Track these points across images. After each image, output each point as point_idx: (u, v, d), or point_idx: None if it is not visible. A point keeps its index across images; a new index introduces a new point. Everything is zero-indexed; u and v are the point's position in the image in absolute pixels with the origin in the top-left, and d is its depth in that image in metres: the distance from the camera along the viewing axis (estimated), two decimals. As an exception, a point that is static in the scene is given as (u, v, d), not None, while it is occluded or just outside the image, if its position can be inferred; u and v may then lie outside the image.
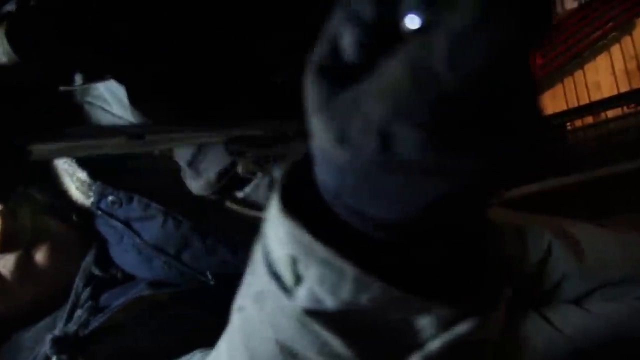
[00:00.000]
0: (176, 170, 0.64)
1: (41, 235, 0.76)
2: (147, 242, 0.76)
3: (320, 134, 0.29)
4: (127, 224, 0.76)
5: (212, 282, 0.76)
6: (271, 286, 0.37)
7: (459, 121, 0.27)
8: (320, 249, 0.33)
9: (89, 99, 0.77)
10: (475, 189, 0.31)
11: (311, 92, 0.29)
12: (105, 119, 0.78)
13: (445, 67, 0.24)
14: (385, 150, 0.27)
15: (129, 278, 0.79)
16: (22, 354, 0.72)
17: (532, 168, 0.30)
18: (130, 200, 0.76)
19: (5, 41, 0.35)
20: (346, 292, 0.34)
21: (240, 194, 0.57)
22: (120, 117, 0.76)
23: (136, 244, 0.77)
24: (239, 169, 0.51)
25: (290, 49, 0.44)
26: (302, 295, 0.36)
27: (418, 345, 0.37)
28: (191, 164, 0.58)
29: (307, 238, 0.34)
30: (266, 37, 0.44)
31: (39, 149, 0.37)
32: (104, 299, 0.75)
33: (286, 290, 0.36)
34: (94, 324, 0.69)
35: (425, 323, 0.36)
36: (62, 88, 0.42)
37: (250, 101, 0.47)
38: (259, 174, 0.54)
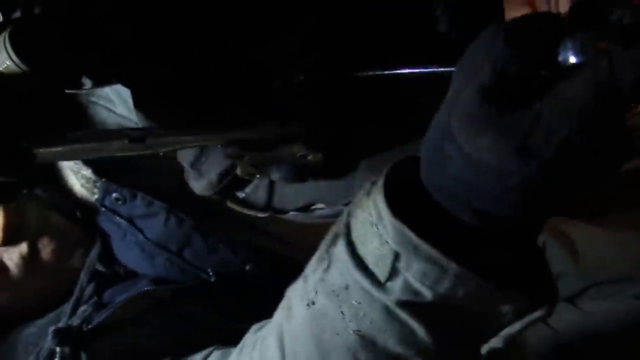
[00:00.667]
0: (179, 170, 0.64)
1: (46, 230, 0.76)
2: (149, 239, 0.77)
3: (489, 148, 0.33)
4: (130, 221, 0.77)
5: (213, 280, 0.77)
6: (359, 280, 0.41)
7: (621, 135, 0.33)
8: (427, 249, 0.37)
9: (94, 99, 0.77)
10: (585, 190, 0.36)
11: (477, 111, 0.33)
12: (110, 119, 0.78)
13: (630, 88, 0.30)
14: (560, 157, 0.32)
15: (131, 275, 0.80)
16: (26, 349, 0.72)
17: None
18: (134, 197, 0.76)
19: (9, 46, 0.35)
20: (445, 286, 0.38)
21: (241, 195, 0.58)
22: (124, 118, 0.76)
23: (139, 241, 0.77)
24: (238, 171, 0.51)
25: (289, 53, 0.44)
26: (396, 288, 0.39)
27: (496, 330, 0.42)
28: (194, 164, 0.58)
29: (415, 239, 0.37)
30: (264, 41, 0.45)
31: (43, 152, 0.37)
32: (107, 295, 0.75)
33: (378, 283, 0.40)
34: (97, 319, 0.69)
35: (506, 310, 0.40)
36: (68, 91, 0.42)
37: (249, 104, 0.47)
38: (257, 176, 0.55)
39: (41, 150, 0.38)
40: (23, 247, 0.74)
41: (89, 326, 0.68)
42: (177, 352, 0.66)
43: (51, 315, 0.75)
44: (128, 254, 0.79)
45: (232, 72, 0.47)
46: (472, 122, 0.33)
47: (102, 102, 0.77)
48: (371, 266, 0.40)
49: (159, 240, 0.76)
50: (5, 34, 0.36)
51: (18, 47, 0.36)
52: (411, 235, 0.37)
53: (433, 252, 0.37)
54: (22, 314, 0.77)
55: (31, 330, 0.75)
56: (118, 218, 0.77)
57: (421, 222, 0.38)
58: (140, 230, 0.77)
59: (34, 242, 0.75)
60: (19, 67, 0.36)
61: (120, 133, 0.41)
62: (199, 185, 0.56)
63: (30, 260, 0.75)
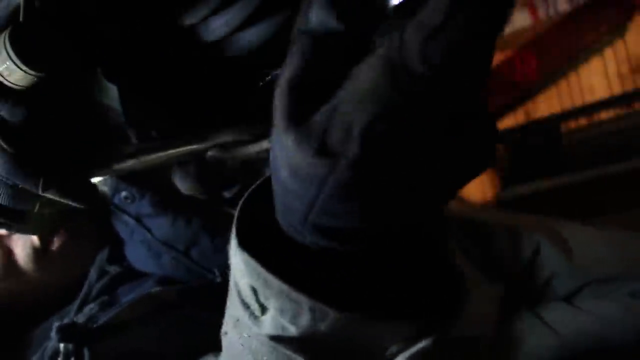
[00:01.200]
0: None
1: (58, 221, 0.76)
2: (157, 238, 0.76)
3: (295, 150, 0.28)
4: (138, 219, 0.76)
5: (219, 280, 0.76)
6: (243, 314, 0.38)
7: (432, 121, 0.27)
8: (276, 282, 0.33)
9: (106, 100, 0.76)
10: (436, 189, 0.31)
11: (283, 108, 0.29)
12: (120, 120, 0.77)
13: (419, 61, 0.24)
14: (369, 153, 0.27)
15: (140, 274, 0.79)
16: (33, 349, 0.72)
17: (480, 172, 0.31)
18: (143, 196, 0.76)
19: (9, 46, 0.35)
20: (305, 321, 0.34)
21: (227, 195, 0.57)
22: None
23: (146, 239, 0.77)
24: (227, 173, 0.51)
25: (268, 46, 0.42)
26: (267, 323, 0.36)
27: None
28: (181, 163, 0.58)
29: (263, 271, 0.34)
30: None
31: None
32: (115, 294, 0.75)
33: (255, 317, 0.37)
34: (103, 319, 0.69)
35: (389, 342, 0.36)
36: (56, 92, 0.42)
37: (234, 104, 0.46)
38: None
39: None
40: (35, 238, 0.74)
41: (94, 325, 0.68)
42: (181, 354, 0.66)
43: (57, 315, 0.75)
44: (135, 252, 0.79)
45: (217, 71, 0.46)
46: (283, 119, 0.29)
47: (113, 104, 0.77)
48: (247, 300, 0.37)
49: (166, 239, 0.76)
50: (5, 34, 0.36)
51: (18, 46, 0.36)
52: (258, 267, 0.34)
53: (283, 286, 0.33)
54: (34, 312, 0.77)
55: (40, 330, 0.75)
56: (126, 216, 0.76)
57: (281, 250, 0.34)
58: (148, 229, 0.76)
59: (45, 232, 0.75)
60: (19, 67, 0.36)
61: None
62: (184, 185, 0.55)
63: (41, 249, 0.75)
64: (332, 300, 0.33)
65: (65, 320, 0.69)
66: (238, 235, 0.35)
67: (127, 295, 0.73)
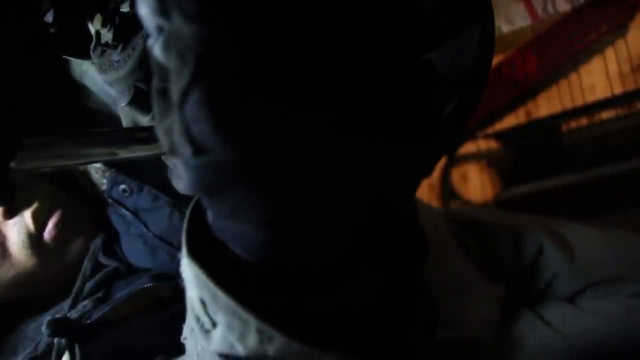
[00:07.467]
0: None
1: (55, 207, 0.74)
2: (153, 232, 0.74)
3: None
4: (135, 213, 0.75)
5: None
6: (195, 326, 0.35)
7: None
8: (223, 297, 0.31)
9: (85, 81, 0.74)
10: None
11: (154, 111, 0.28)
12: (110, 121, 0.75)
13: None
14: (198, 154, 0.26)
15: (136, 270, 0.77)
16: (25, 343, 0.70)
17: None
18: (141, 190, 0.74)
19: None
20: (252, 341, 0.32)
21: None
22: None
23: (142, 233, 0.75)
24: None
25: None
26: (217, 339, 0.34)
27: None
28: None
29: (211, 285, 0.31)
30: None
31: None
32: (110, 290, 0.73)
33: (205, 331, 0.34)
34: (96, 315, 0.66)
35: None
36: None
37: None
38: None
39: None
40: (30, 223, 0.72)
41: (88, 321, 0.66)
42: (174, 350, 0.64)
43: (52, 311, 0.73)
44: (131, 246, 0.77)
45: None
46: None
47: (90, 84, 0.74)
48: (197, 312, 0.34)
49: (162, 234, 0.74)
50: None
51: None
52: (206, 280, 0.31)
53: (230, 302, 0.31)
54: (31, 306, 0.75)
55: (32, 325, 0.72)
56: (123, 210, 0.75)
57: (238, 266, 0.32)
58: (145, 224, 0.75)
59: (42, 219, 0.73)
60: None
61: (125, 132, 0.37)
62: (181, 184, 0.53)
63: (38, 238, 0.72)
64: (289, 325, 0.31)
65: (58, 315, 0.67)
66: (188, 243, 0.33)
67: (122, 291, 0.71)
